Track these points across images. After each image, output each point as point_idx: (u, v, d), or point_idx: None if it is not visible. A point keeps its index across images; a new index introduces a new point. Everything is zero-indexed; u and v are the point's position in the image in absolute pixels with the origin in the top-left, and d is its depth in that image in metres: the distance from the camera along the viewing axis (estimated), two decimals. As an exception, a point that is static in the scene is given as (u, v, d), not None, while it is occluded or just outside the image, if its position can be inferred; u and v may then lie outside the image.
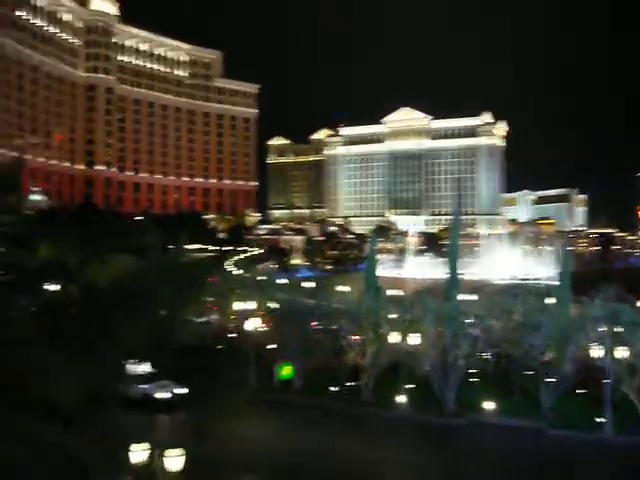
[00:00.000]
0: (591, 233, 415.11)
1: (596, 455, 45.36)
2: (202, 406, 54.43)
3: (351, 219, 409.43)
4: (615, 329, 49.56)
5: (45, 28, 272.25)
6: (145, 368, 57.26)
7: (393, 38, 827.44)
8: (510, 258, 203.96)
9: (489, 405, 51.15)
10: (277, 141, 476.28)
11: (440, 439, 48.62)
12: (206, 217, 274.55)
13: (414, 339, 53.04)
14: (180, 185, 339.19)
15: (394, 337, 53.96)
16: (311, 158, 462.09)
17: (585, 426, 48.11)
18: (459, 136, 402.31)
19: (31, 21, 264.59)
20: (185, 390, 55.11)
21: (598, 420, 47.89)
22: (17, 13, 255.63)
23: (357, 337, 56.97)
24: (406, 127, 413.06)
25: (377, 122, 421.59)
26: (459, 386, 52.91)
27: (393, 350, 54.46)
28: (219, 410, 54.08)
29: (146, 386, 54.59)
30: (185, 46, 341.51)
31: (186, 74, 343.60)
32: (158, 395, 54.09)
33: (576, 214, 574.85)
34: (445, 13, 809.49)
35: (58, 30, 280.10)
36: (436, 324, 54.07)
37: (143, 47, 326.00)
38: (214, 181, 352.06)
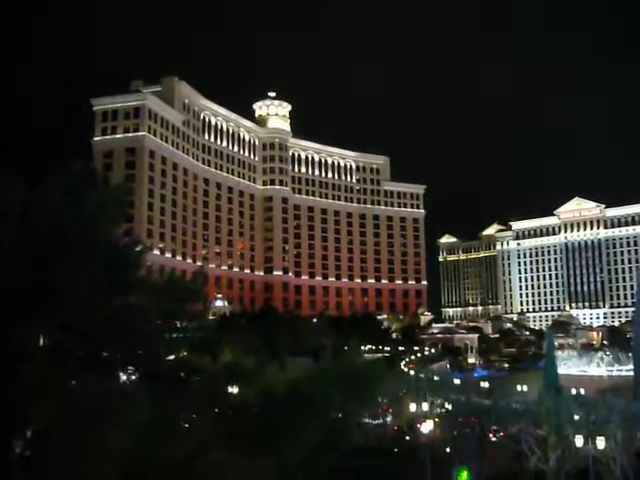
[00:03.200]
0: None
1: None
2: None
3: (527, 315, 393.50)
4: None
5: (228, 148, 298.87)
6: None
7: (551, 133, 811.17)
8: None
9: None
10: (446, 239, 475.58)
11: None
12: (379, 317, 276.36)
13: (601, 443, 49.48)
14: (353, 287, 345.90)
15: (579, 440, 50.64)
16: (482, 254, 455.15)
17: None
18: (638, 223, 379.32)
19: (217, 143, 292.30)
20: None
21: None
22: (205, 137, 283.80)
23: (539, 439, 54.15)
24: (579, 217, 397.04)
25: (548, 214, 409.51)
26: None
27: (579, 455, 51.01)
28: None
29: None
30: (352, 154, 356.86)
31: (355, 180, 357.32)
32: None
33: None
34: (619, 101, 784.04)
35: (238, 148, 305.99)
36: (625, 426, 50.24)
37: (314, 158, 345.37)
38: (386, 282, 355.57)
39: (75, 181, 21.29)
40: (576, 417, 53.28)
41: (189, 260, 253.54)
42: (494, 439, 59.03)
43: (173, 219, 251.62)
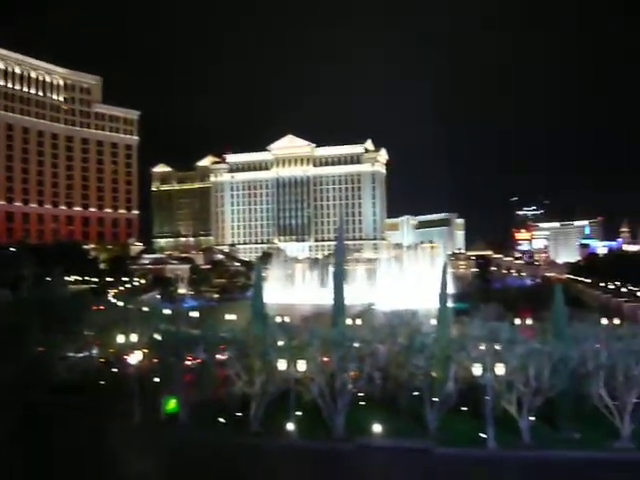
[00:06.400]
0: (470, 255, 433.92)
1: (481, 470, 46.57)
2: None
3: (238, 246, 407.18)
4: (495, 347, 51.44)
5: None
6: None
7: (277, 66, 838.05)
8: (395, 282, 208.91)
9: (377, 428, 51.53)
10: (160, 168, 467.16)
11: (328, 465, 48.37)
12: (86, 247, 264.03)
13: (302, 365, 52.73)
14: (58, 214, 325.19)
15: (282, 364, 53.36)
16: (196, 185, 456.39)
17: (470, 443, 49.38)
18: (343, 163, 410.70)
19: None
20: None
21: (482, 436, 49.33)
22: None
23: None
24: (291, 154, 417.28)
25: (263, 149, 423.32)
26: (348, 410, 53.02)
27: (281, 378, 53.82)
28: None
29: None
30: (60, 70, 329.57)
31: (63, 99, 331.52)
32: None
33: (456, 237, 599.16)
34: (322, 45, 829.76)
35: None
36: (323, 349, 54.03)
37: (15, 70, 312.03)
38: (94, 210, 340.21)
39: None
40: (280, 343, 55.92)
41: None
42: (192, 366, 59.86)
43: None
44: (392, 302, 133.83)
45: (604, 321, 71.06)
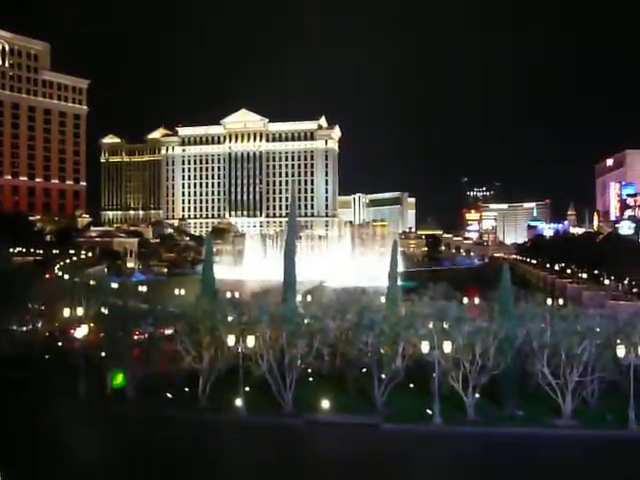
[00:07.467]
0: (421, 234, 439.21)
1: (427, 446, 47.36)
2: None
3: (189, 221, 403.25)
4: (443, 325, 52.18)
5: None
6: None
7: (231, 40, 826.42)
8: (346, 259, 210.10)
9: (325, 404, 51.84)
10: (110, 139, 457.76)
11: (277, 440, 48.50)
12: (32, 218, 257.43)
13: (251, 341, 52.56)
14: (2, 184, 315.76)
15: (231, 340, 53.11)
16: (146, 158, 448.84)
17: (416, 418, 50.14)
18: (297, 139, 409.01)
19: None
20: None
21: (428, 412, 50.14)
22: None
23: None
24: (244, 129, 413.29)
25: (216, 123, 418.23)
26: (296, 386, 53.17)
27: (230, 353, 53.60)
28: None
29: None
30: (6, 34, 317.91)
31: (8, 65, 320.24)
32: None
33: (407, 216, 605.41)
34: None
35: None
36: (273, 325, 53.90)
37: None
38: (40, 180, 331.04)
39: None
40: (230, 318, 55.60)
41: None
42: (140, 341, 59.20)
43: None
44: (342, 279, 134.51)
45: (549, 301, 72.80)
